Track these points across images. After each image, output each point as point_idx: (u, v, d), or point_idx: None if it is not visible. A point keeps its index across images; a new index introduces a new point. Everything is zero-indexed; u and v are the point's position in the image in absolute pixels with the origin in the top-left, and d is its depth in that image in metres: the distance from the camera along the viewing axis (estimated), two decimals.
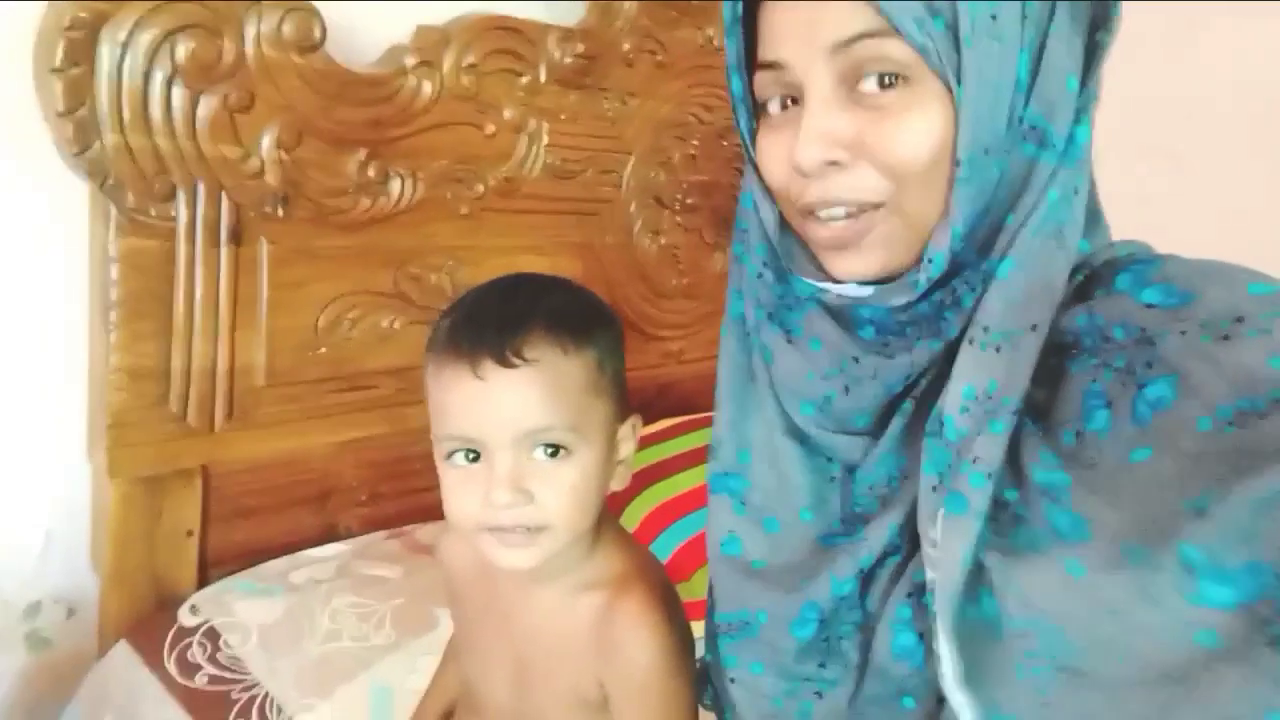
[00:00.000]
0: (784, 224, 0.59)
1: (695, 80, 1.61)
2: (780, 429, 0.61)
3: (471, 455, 0.62)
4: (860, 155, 0.51)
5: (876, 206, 0.51)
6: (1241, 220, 1.38)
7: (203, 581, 1.21)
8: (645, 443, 1.37)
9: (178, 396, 1.13)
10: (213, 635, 1.10)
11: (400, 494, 1.39)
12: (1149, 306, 0.46)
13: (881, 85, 0.50)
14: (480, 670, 0.75)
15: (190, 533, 1.19)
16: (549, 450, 0.62)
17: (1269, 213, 1.45)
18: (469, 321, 0.63)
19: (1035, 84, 0.49)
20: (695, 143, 1.65)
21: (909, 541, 0.54)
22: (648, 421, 0.74)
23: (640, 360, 1.62)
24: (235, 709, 1.01)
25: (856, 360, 0.56)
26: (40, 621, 1.18)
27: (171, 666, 1.06)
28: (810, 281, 0.57)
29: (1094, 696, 0.44)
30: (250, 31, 1.08)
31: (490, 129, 1.34)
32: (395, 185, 1.25)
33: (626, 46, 1.48)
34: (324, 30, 1.13)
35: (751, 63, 0.56)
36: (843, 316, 0.57)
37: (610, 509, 0.70)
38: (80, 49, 0.98)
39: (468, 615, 0.76)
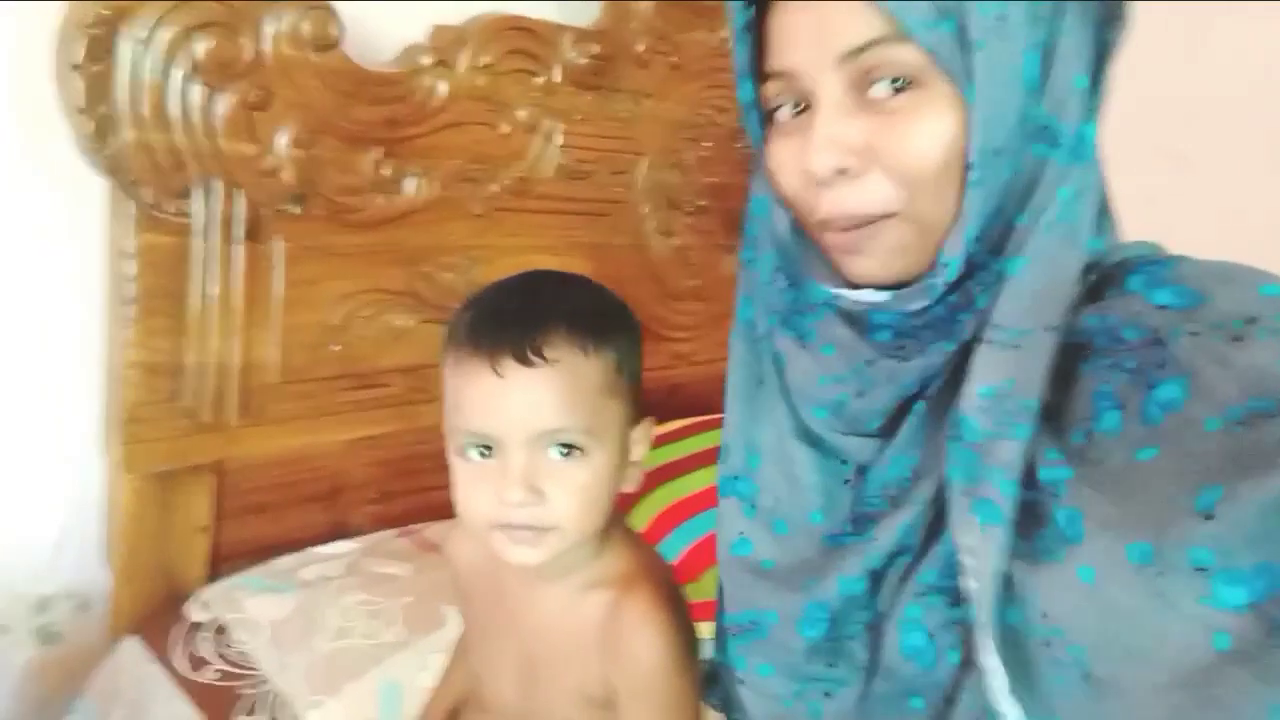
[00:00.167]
0: (796, 228, 0.59)
1: (709, 82, 1.61)
2: (791, 432, 0.61)
3: (485, 451, 0.62)
4: (872, 162, 0.50)
5: (889, 217, 0.51)
6: (1248, 221, 1.36)
7: (214, 577, 1.21)
8: (656, 443, 1.36)
9: (192, 392, 1.13)
10: (223, 631, 1.10)
11: (411, 492, 1.40)
12: (1161, 308, 0.46)
13: (892, 90, 0.49)
14: (487, 667, 0.76)
15: (203, 528, 1.20)
16: (563, 450, 0.62)
17: (1276, 213, 1.44)
18: (491, 317, 0.63)
19: (1045, 84, 0.49)
20: (708, 144, 1.64)
21: (920, 541, 0.54)
22: (659, 422, 0.74)
23: (651, 361, 1.60)
24: (244, 705, 1.01)
25: (870, 364, 0.56)
26: (51, 616, 1.18)
27: (181, 662, 1.07)
28: (826, 287, 0.57)
29: (1114, 705, 0.44)
30: (268, 30, 1.09)
31: (504, 129, 1.34)
32: (409, 184, 1.26)
33: (641, 48, 1.48)
34: (341, 29, 1.14)
35: (761, 69, 0.56)
36: (857, 321, 0.57)
37: (620, 508, 0.70)
38: (101, 46, 0.99)
39: (475, 612, 0.77)
